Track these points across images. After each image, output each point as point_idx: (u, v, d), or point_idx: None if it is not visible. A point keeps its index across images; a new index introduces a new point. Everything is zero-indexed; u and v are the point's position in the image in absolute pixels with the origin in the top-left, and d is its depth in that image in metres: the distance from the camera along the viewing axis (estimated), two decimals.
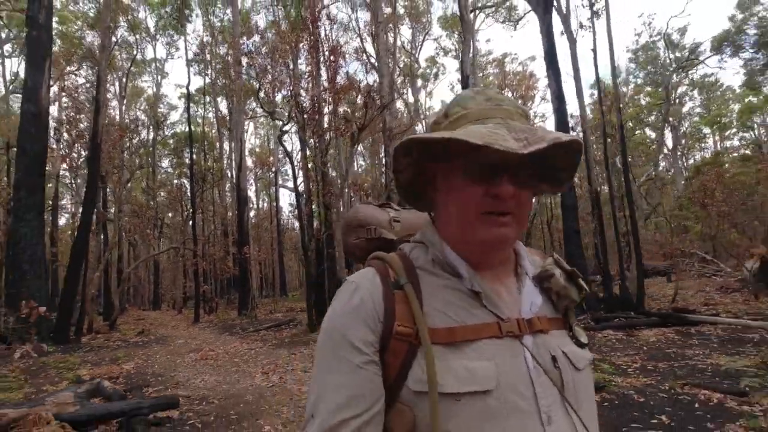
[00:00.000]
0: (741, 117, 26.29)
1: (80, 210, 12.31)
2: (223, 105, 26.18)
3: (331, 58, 11.41)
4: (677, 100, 30.43)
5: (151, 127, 25.81)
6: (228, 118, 24.71)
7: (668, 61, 28.77)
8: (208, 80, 25.54)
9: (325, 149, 10.19)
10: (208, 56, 25.22)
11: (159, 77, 27.78)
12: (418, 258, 0.67)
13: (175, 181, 25.90)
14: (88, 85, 18.00)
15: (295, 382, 5.74)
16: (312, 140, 10.25)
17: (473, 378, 0.56)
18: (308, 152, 12.06)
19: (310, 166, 10.78)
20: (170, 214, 27.70)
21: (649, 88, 29.82)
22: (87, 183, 11.25)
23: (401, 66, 25.98)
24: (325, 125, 11.39)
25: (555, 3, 12.30)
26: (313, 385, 0.60)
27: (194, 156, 16.74)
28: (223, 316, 15.74)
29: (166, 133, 27.54)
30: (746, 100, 26.09)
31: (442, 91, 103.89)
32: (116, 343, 10.65)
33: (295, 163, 12.13)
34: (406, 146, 0.62)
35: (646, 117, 28.20)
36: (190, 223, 18.48)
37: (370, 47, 20.73)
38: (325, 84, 11.25)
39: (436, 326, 0.59)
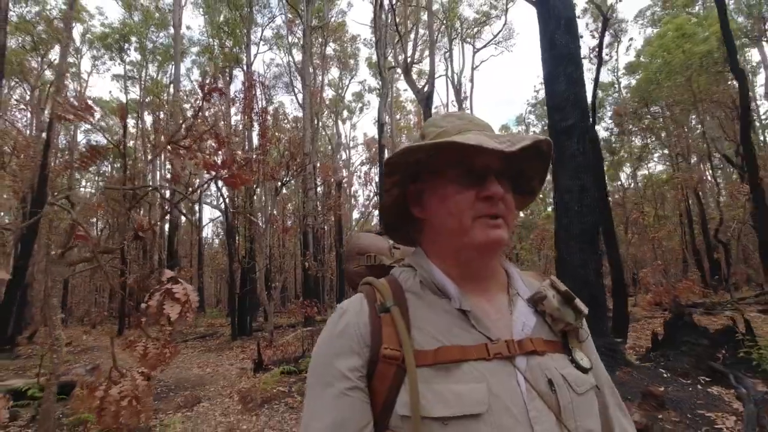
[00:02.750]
0: (608, 170, 33.30)
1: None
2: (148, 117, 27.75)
3: (263, 116, 14.50)
4: None
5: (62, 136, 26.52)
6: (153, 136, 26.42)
7: None
8: (133, 96, 27.13)
9: (252, 194, 13.15)
10: (136, 74, 26.96)
11: (81, 87, 28.55)
12: (407, 281, 0.70)
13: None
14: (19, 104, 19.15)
15: (225, 371, 8.67)
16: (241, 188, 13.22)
17: (461, 402, 0.56)
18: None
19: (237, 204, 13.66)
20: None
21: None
22: (31, 209, 13.09)
23: (327, 103, 29.48)
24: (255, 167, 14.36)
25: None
26: (304, 410, 0.63)
27: (126, 173, 18.50)
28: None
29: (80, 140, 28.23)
30: (613, 158, 33.11)
31: (367, 124, 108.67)
32: None
33: (226, 200, 14.88)
34: (393, 164, 0.67)
35: None
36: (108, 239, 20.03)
37: (299, 83, 24.01)
38: (256, 137, 14.28)
39: (424, 348, 0.60)
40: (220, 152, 3.65)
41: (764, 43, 20.45)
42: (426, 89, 13.73)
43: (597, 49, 8.15)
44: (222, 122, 14.49)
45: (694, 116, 21.57)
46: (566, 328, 0.68)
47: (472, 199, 0.64)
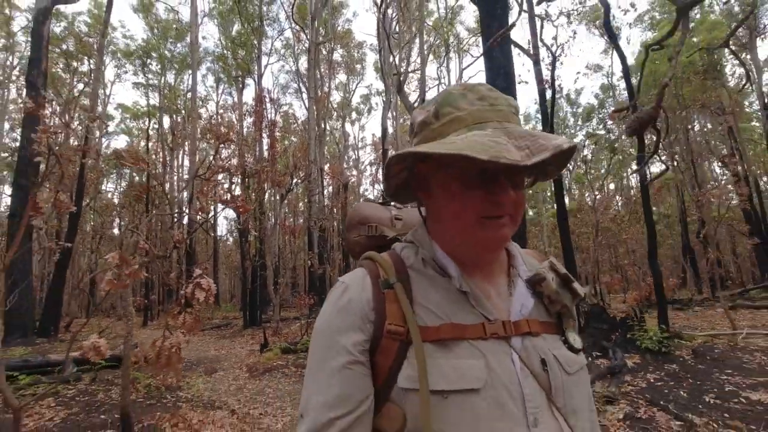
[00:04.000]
0: (613, 169, 34.39)
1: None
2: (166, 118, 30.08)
3: (272, 129, 16.40)
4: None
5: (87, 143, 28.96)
6: (171, 139, 28.69)
7: (568, 114, 37.31)
8: (152, 102, 29.41)
9: (261, 199, 15.06)
10: (155, 81, 29.19)
11: (104, 95, 30.96)
12: (409, 257, 0.71)
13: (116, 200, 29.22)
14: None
15: (237, 352, 10.58)
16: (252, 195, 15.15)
17: (461, 376, 0.59)
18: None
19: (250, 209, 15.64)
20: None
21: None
22: (70, 215, 15.24)
23: (335, 106, 31.29)
24: (264, 176, 16.30)
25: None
26: (305, 384, 0.65)
27: (150, 178, 20.47)
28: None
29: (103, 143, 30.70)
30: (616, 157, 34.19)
31: (375, 126, 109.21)
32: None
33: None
34: (403, 157, 0.65)
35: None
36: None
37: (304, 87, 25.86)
38: (266, 146, 16.18)
39: (426, 324, 0.63)
40: (233, 185, 5.43)
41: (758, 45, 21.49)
42: (417, 104, 15.41)
43: (551, 80, 9.78)
44: (234, 133, 16.41)
45: (696, 119, 22.84)
46: (562, 310, 0.70)
47: (480, 199, 0.63)
